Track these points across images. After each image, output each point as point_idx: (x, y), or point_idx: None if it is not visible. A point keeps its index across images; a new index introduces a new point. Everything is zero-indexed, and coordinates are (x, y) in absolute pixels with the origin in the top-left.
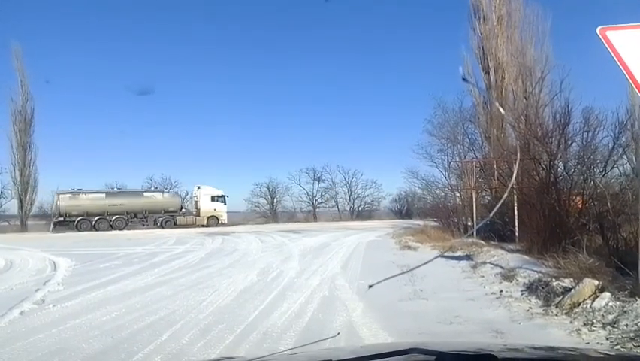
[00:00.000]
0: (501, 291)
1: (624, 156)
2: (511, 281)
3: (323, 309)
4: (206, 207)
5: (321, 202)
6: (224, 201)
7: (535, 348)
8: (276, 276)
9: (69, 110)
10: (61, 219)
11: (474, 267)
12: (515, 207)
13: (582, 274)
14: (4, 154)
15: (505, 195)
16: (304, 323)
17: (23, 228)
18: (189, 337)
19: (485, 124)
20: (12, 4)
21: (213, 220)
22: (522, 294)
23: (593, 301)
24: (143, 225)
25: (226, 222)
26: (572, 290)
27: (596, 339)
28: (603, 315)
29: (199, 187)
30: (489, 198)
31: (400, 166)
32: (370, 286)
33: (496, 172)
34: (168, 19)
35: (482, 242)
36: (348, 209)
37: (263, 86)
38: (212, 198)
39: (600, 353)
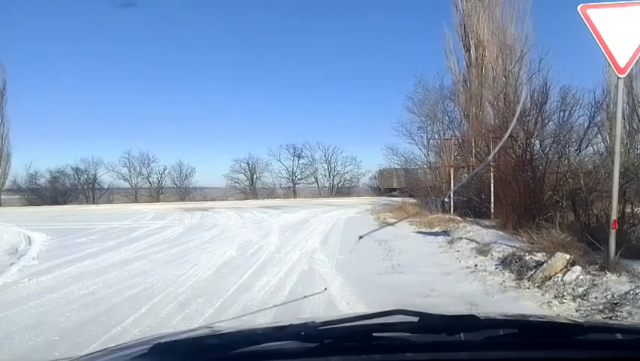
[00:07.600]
0: (476, 265)
1: (599, 135)
2: (486, 256)
3: (302, 283)
4: None
5: (301, 179)
6: None
7: (507, 316)
8: (255, 251)
9: (43, 82)
10: None
11: (450, 242)
12: (492, 184)
13: (554, 249)
14: None
15: (480, 168)
16: (283, 296)
17: None
18: (168, 310)
19: (465, 102)
20: None
21: None
22: (496, 268)
23: (564, 274)
24: None
25: None
26: (545, 264)
27: (566, 311)
28: (574, 288)
29: None
30: (466, 175)
31: (380, 143)
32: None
33: (474, 150)
34: None
35: (459, 218)
36: (327, 186)
37: (242, 58)
38: None
39: (571, 320)
